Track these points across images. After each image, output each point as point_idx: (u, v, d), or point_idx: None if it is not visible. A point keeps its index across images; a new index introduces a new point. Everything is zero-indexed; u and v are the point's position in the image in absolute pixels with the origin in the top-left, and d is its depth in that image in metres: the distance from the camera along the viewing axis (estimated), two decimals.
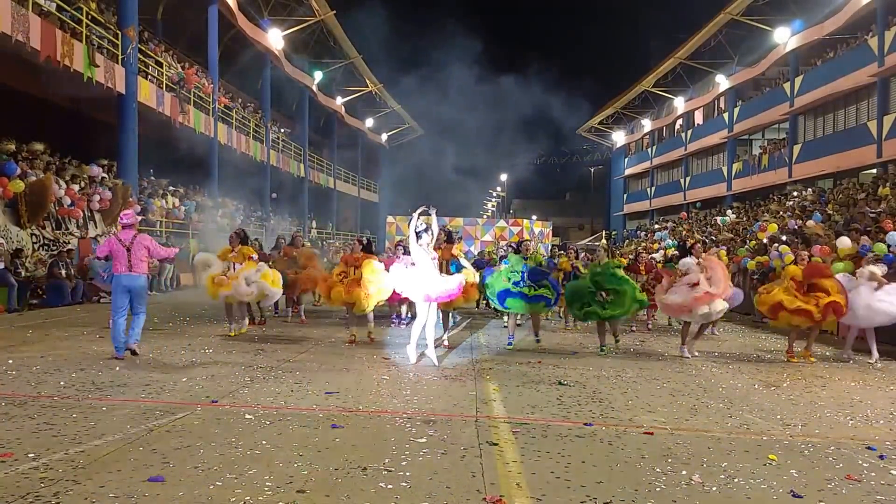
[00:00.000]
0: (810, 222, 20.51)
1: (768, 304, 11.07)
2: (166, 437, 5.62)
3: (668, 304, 11.21)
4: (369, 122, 57.45)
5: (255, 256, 12.27)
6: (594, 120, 61.46)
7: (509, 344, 11.60)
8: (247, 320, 12.64)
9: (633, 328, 14.72)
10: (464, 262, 11.42)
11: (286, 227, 34.18)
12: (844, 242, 15.37)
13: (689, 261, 11.43)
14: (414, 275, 9.73)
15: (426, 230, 10.00)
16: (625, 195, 61.67)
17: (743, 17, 35.44)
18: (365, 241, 12.39)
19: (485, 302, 16.49)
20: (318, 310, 16.81)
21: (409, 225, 9.94)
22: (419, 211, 10.14)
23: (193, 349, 10.27)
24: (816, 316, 10.79)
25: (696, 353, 11.23)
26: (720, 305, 10.90)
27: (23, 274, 15.55)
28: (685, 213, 40.04)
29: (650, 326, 15.12)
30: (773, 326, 12.39)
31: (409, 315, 14.70)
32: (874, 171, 28.34)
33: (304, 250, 15.10)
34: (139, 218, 11.11)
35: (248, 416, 6.35)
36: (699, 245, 11.94)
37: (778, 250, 18.26)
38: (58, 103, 22.66)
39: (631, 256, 17.44)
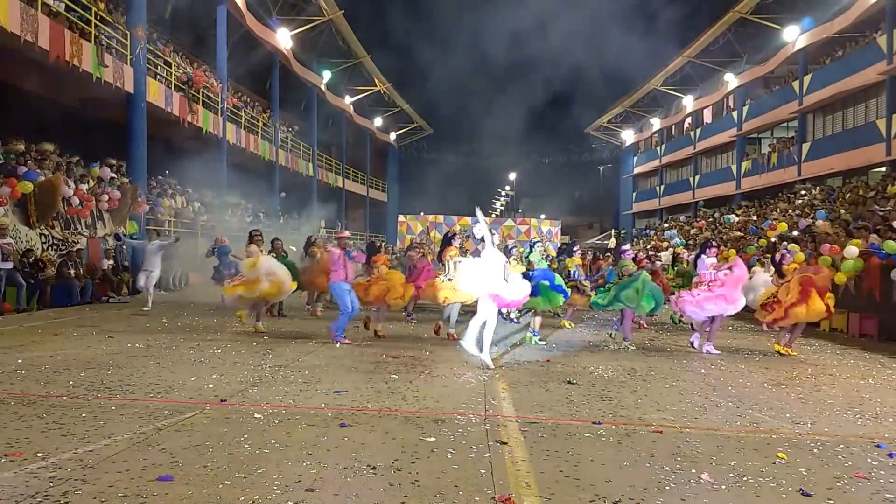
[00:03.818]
0: (819, 221, 20.44)
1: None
2: (175, 436, 5.64)
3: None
4: (378, 122, 57.45)
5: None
6: (603, 119, 61.31)
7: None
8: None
9: (644, 325, 14.98)
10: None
11: (294, 225, 34.23)
12: (852, 252, 15.46)
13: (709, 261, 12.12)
14: (486, 273, 9.63)
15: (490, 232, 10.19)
16: (634, 194, 61.49)
17: (752, 15, 35.27)
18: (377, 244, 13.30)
19: None
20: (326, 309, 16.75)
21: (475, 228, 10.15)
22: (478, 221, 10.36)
23: (202, 348, 10.29)
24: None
25: (717, 351, 11.59)
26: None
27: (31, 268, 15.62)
28: (703, 222, 39.95)
29: (644, 325, 15.32)
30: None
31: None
32: (883, 169, 28.21)
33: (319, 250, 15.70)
34: (345, 233, 12.06)
35: (256, 416, 6.36)
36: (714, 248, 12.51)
37: (787, 249, 18.19)
38: (66, 103, 22.72)
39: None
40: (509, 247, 11.81)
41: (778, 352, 11.59)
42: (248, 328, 12.75)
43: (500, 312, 14.73)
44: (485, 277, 9.56)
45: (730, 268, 11.57)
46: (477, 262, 9.93)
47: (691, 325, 13.10)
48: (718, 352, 11.50)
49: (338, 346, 10.96)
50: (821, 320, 12.04)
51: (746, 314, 15.69)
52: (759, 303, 12.14)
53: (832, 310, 11.74)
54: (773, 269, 12.45)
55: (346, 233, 12.07)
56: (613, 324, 13.07)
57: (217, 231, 22.62)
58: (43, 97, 21.07)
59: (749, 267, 18.88)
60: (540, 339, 12.08)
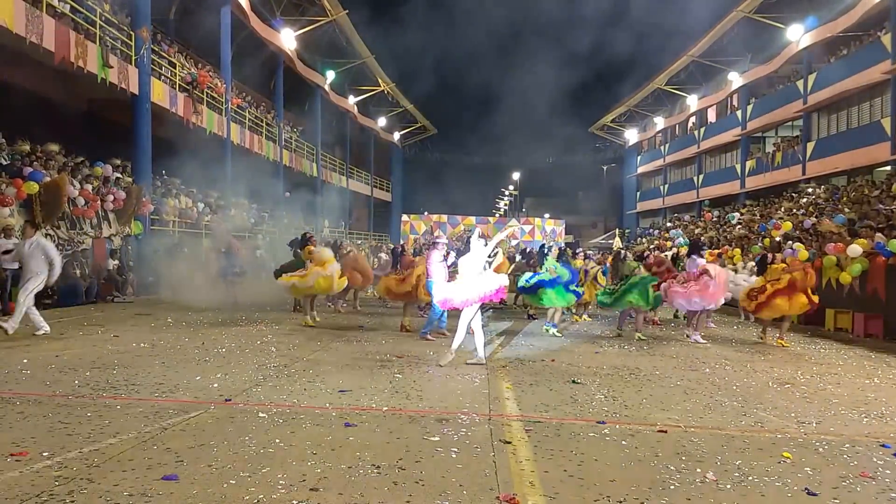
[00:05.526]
0: (828, 221, 20.40)
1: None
2: (180, 435, 5.65)
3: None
4: (382, 122, 57.42)
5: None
6: (607, 118, 61.25)
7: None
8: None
9: (656, 321, 15.69)
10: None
11: (298, 225, 34.25)
12: (855, 251, 15.57)
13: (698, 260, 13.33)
14: (465, 275, 9.83)
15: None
16: (638, 193, 61.40)
17: (756, 14, 35.22)
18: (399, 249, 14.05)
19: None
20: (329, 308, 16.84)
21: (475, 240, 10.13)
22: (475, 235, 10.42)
23: (207, 348, 10.30)
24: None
25: (703, 340, 12.71)
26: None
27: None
28: (708, 213, 39.97)
29: (657, 321, 15.95)
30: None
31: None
32: (888, 168, 28.16)
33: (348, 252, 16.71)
34: (436, 238, 13.26)
35: (261, 415, 6.37)
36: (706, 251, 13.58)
37: (792, 247, 18.18)
38: (71, 104, 22.76)
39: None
40: (526, 250, 12.43)
41: (761, 343, 12.78)
42: (250, 327, 12.78)
43: (529, 314, 16.14)
44: (461, 284, 9.69)
45: (707, 272, 12.73)
46: (462, 267, 9.96)
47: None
48: (705, 341, 12.55)
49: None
50: (803, 312, 13.25)
51: (730, 307, 16.09)
52: (744, 293, 13.43)
53: (815, 301, 12.74)
54: (756, 268, 13.33)
55: (444, 238, 13.38)
56: (620, 317, 14.00)
57: (223, 230, 22.67)
58: (48, 98, 21.12)
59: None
60: (557, 331, 13.05)
